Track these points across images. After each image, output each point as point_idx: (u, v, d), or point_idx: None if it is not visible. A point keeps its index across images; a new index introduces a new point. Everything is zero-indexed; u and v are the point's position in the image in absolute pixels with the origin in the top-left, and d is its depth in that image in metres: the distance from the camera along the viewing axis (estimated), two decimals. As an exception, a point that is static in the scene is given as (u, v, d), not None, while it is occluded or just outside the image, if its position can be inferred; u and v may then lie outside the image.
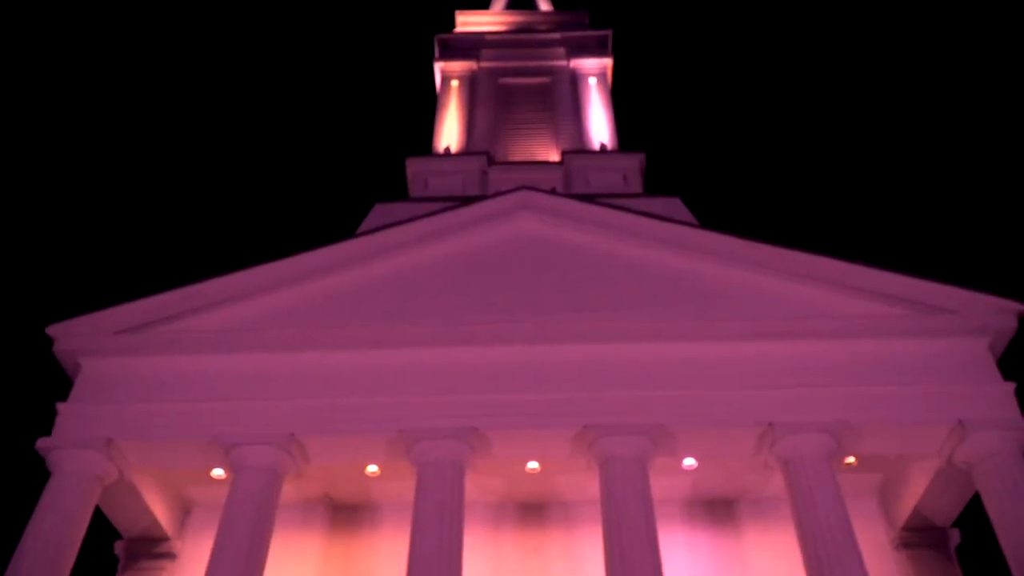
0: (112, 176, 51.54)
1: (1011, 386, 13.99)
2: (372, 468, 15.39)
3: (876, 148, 55.52)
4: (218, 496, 14.76)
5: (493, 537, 15.73)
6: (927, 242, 48.81)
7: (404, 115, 62.49)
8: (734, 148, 59.43)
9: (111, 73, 54.46)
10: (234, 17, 60.30)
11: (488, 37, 27.00)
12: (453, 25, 28.84)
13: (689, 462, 15.22)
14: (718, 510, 16.16)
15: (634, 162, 22.00)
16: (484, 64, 25.93)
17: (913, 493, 15.20)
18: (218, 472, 14.98)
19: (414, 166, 22.15)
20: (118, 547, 15.72)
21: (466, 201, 17.81)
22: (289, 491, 15.33)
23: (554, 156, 23.01)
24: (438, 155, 22.79)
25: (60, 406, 14.35)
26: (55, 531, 13.00)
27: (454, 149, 23.18)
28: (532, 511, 16.10)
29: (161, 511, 15.49)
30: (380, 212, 19.61)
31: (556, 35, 26.83)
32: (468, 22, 28.74)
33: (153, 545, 15.62)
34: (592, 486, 14.41)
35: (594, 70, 25.69)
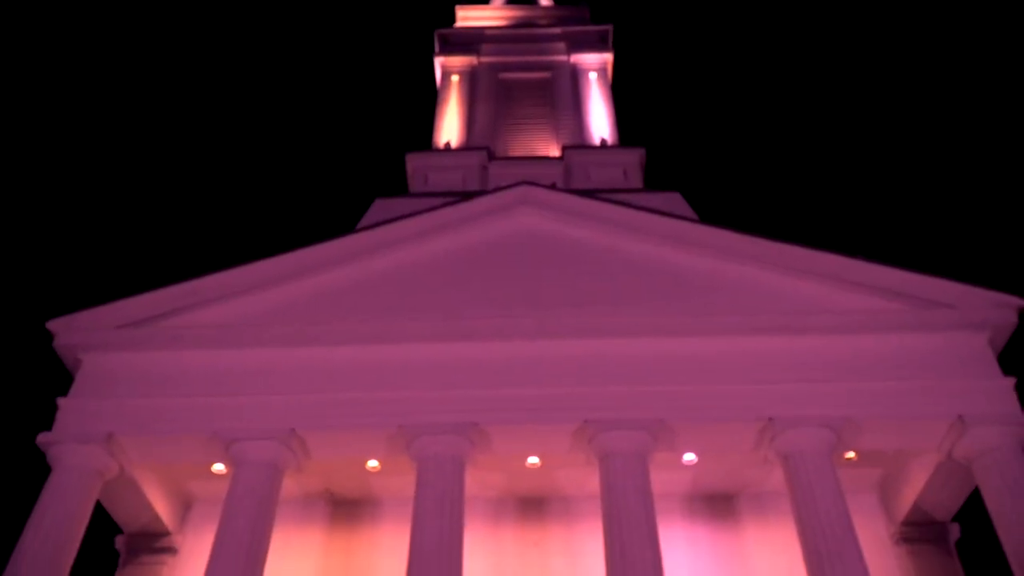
0: (113, 172, 51.55)
1: (1011, 381, 13.99)
2: (372, 463, 15.41)
3: (876, 143, 55.50)
4: (219, 491, 14.78)
5: (493, 532, 15.76)
6: (927, 237, 48.83)
7: (404, 110, 62.51)
8: (734, 143, 59.41)
9: (111, 69, 54.43)
10: (234, 13, 60.24)
11: (488, 32, 26.95)
12: (453, 20, 28.80)
13: (689, 457, 15.24)
14: (718, 505, 16.19)
15: (634, 157, 21.97)
16: (484, 59, 25.90)
17: (913, 488, 15.22)
18: (219, 467, 15.01)
19: (414, 161, 22.14)
20: (119, 542, 15.75)
21: (466, 196, 17.79)
22: (290, 486, 15.37)
23: (554, 151, 22.99)
24: (438, 150, 22.78)
25: (61, 401, 14.37)
26: (56, 526, 13.02)
27: (454, 144, 23.16)
28: (532, 506, 16.13)
29: (162, 506, 15.53)
30: (380, 207, 19.61)
31: (556, 30, 26.77)
32: (468, 17, 28.69)
33: (154, 540, 15.65)
34: (592, 481, 14.43)
35: (594, 65, 25.67)
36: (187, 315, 15.44)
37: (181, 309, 15.46)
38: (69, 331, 14.99)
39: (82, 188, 49.68)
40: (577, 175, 21.29)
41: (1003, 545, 12.97)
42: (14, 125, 47.72)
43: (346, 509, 16.26)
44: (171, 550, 15.64)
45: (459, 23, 28.54)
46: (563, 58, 25.88)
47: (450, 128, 23.87)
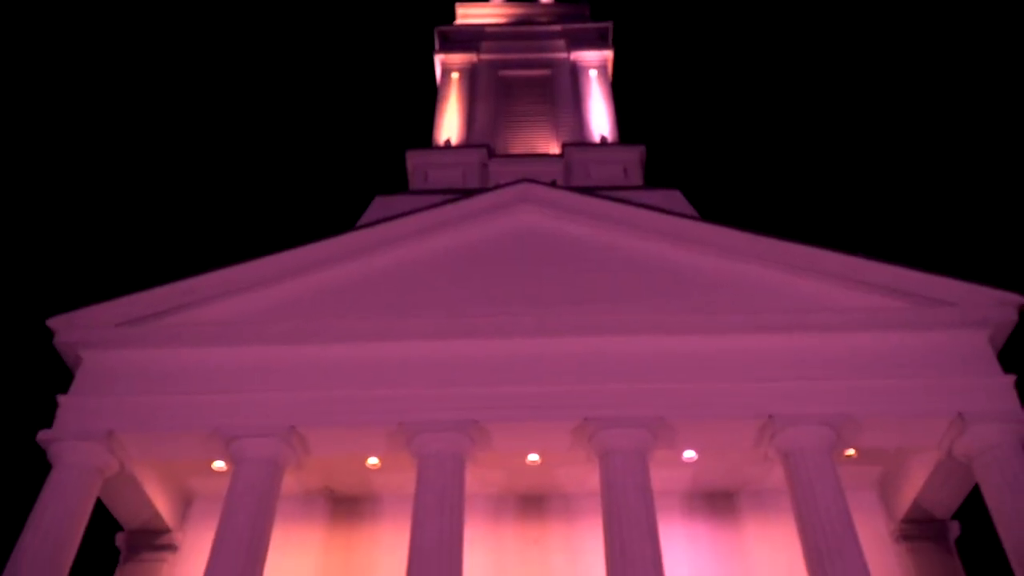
0: (113, 169, 51.54)
1: (1011, 378, 14.00)
2: (373, 460, 15.42)
3: (876, 141, 55.48)
4: (219, 488, 14.80)
5: (493, 529, 15.77)
6: (927, 235, 48.82)
7: (404, 108, 62.46)
8: (734, 141, 59.39)
9: (110, 66, 54.40)
10: (234, 10, 60.20)
11: (488, 29, 26.93)
12: (453, 17, 28.78)
13: (689, 454, 15.25)
14: (718, 502, 16.20)
15: (634, 154, 21.97)
16: (484, 56, 25.89)
17: (913, 485, 15.23)
18: (219, 464, 15.02)
19: (414, 159, 22.13)
20: (119, 539, 15.76)
21: (466, 194, 17.78)
22: (290, 483, 15.38)
23: (554, 149, 22.99)
24: (438, 148, 22.76)
25: (61, 398, 14.37)
26: (56, 523, 13.03)
27: (454, 142, 23.15)
28: (532, 503, 16.14)
29: (162, 503, 15.53)
30: (380, 205, 19.61)
31: (557, 27, 26.76)
32: (468, 14, 28.67)
33: (154, 537, 15.67)
34: (592, 478, 14.44)
35: (595, 62, 25.65)
36: (187, 312, 15.43)
37: (181, 307, 15.45)
38: (69, 328, 14.99)
39: (82, 186, 49.69)
40: (577, 172, 21.29)
41: (1003, 542, 12.98)
42: (14, 124, 47.71)
43: (346, 506, 16.27)
44: (171, 547, 15.66)
45: (459, 20, 28.52)
46: (563, 55, 25.86)
47: (450, 125, 23.86)
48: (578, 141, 22.73)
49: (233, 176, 56.02)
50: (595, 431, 13.67)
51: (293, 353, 14.80)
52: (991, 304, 14.66)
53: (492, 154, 22.17)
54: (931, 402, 13.78)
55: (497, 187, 17.41)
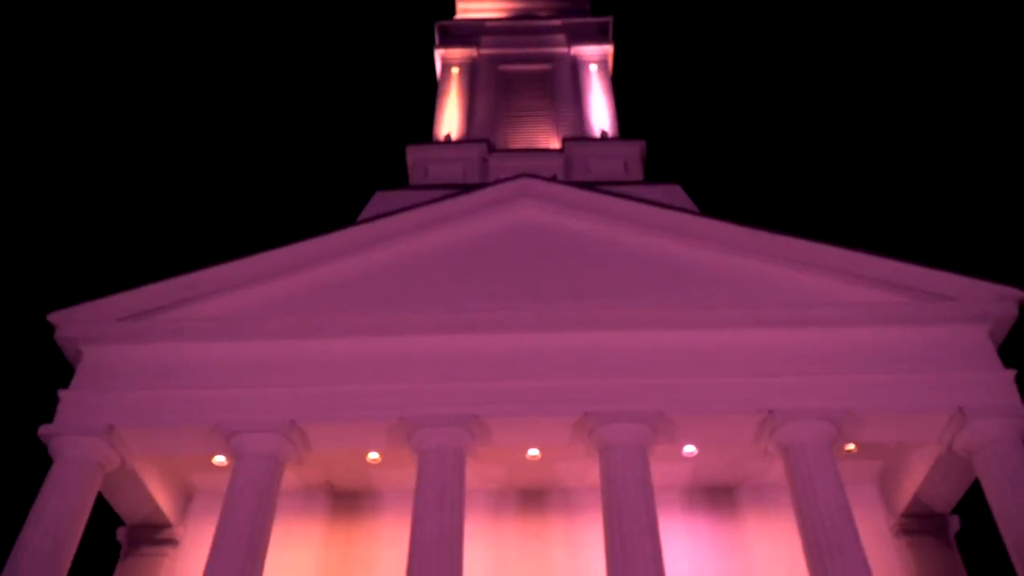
0: (113, 164, 51.50)
1: (1011, 373, 14.00)
2: (373, 455, 15.44)
3: (877, 136, 55.41)
4: (220, 483, 14.81)
5: (494, 524, 15.79)
6: (928, 229, 48.79)
7: (404, 103, 62.39)
8: (734, 136, 59.31)
9: (110, 61, 54.34)
10: (234, 6, 60.10)
11: (488, 24, 26.89)
12: (453, 12, 28.72)
13: (689, 449, 15.25)
14: (718, 497, 16.21)
15: (634, 149, 21.95)
16: (484, 51, 25.84)
17: (913, 480, 15.24)
18: (219, 459, 15.04)
19: (414, 154, 22.11)
20: (120, 533, 15.80)
21: (466, 189, 17.78)
22: (290, 478, 15.40)
23: (555, 143, 22.96)
24: (438, 143, 22.74)
25: (62, 393, 14.38)
26: (57, 518, 13.05)
27: (454, 137, 23.13)
28: (533, 498, 16.16)
29: (163, 498, 15.56)
30: (380, 200, 19.60)
31: (557, 22, 26.71)
32: (468, 8, 28.62)
33: (155, 531, 15.70)
34: (592, 473, 14.45)
35: (595, 57, 25.60)
36: (188, 308, 15.44)
37: (182, 302, 15.46)
38: (70, 324, 15.00)
39: (82, 181, 49.67)
40: (577, 167, 21.28)
41: (1003, 537, 12.99)
42: (15, 120, 47.68)
43: (347, 501, 16.29)
44: (172, 542, 15.69)
45: (459, 15, 28.48)
46: (563, 50, 25.82)
47: (450, 120, 23.84)
48: (578, 136, 22.71)
49: (233, 172, 56.01)
50: (595, 426, 13.68)
51: (293, 348, 14.81)
52: (991, 299, 14.66)
53: (492, 149, 22.14)
54: (931, 397, 13.79)
55: (497, 182, 17.39)
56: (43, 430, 13.84)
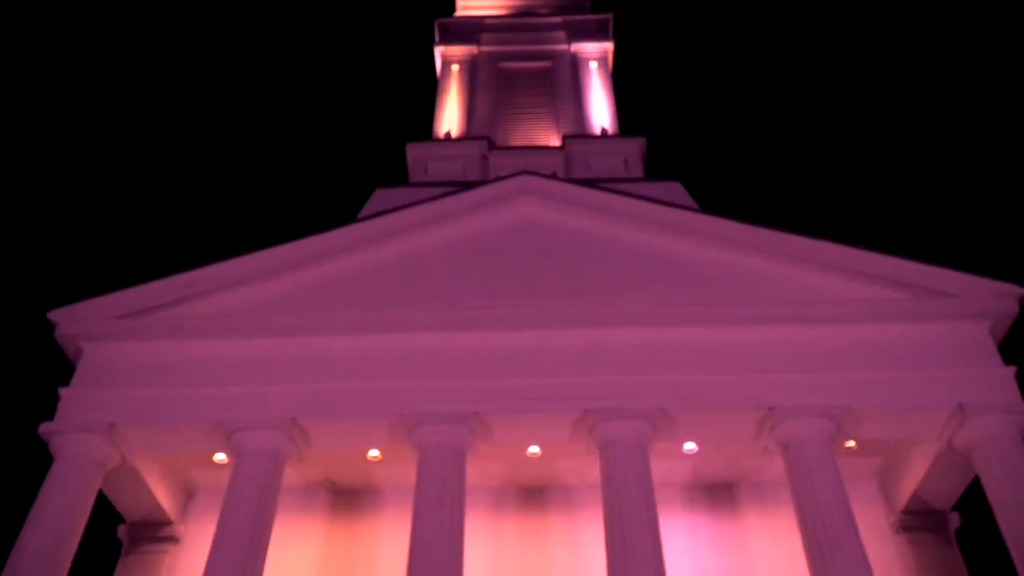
0: (113, 162, 51.49)
1: (1011, 370, 14.00)
2: (374, 452, 15.45)
3: (877, 133, 55.38)
4: (220, 480, 14.82)
5: (494, 521, 15.80)
6: (928, 226, 48.77)
7: (404, 100, 62.35)
8: (735, 133, 59.27)
9: (109, 57, 54.31)
10: (234, 2, 60.05)
11: (488, 21, 26.86)
12: (453, 9, 28.71)
13: (689, 446, 15.26)
14: (718, 494, 16.23)
15: (635, 146, 21.93)
16: (484, 48, 25.82)
17: (913, 477, 15.25)
18: (220, 456, 15.05)
19: (414, 151, 22.10)
20: (121, 531, 15.80)
21: (466, 186, 17.78)
22: (291, 475, 15.41)
23: (555, 141, 22.96)
24: (438, 140, 22.74)
25: (62, 391, 14.39)
26: (58, 515, 13.06)
27: (455, 134, 23.12)
28: (533, 495, 16.18)
29: (164, 495, 15.57)
30: (380, 197, 19.60)
31: (557, 19, 26.68)
32: (468, 5, 28.60)
33: (156, 529, 15.71)
34: (593, 470, 14.46)
35: (595, 54, 25.58)
36: (188, 305, 15.44)
37: (182, 299, 15.46)
38: (70, 321, 15.00)
39: (82, 179, 49.65)
40: (577, 164, 21.26)
41: (1003, 534, 13.00)
42: (14, 118, 47.66)
43: (347, 498, 16.31)
44: (173, 539, 15.70)
45: (459, 12, 28.46)
46: (563, 47, 25.81)
47: (450, 117, 23.83)
48: (578, 133, 22.70)
49: (233, 169, 55.99)
50: (595, 423, 13.69)
51: (294, 345, 14.81)
52: (992, 295, 14.66)
53: (492, 146, 22.13)
54: (931, 394, 13.79)
55: (497, 179, 17.40)
56: (44, 428, 13.85)
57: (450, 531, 12.66)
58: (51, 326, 15.06)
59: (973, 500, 15.27)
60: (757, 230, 15.72)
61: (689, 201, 19.04)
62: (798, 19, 60.30)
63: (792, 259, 15.53)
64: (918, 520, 15.49)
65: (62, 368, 15.33)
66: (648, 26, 58.07)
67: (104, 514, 15.63)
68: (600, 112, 23.65)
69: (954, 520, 15.56)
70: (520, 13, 27.82)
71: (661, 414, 13.72)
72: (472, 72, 25.17)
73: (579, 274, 15.67)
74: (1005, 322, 14.72)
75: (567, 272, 15.73)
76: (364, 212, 19.14)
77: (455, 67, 25.40)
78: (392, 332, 14.82)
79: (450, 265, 16.02)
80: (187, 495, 16.39)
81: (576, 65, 25.23)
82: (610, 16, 26.63)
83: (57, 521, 13.00)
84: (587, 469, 15.24)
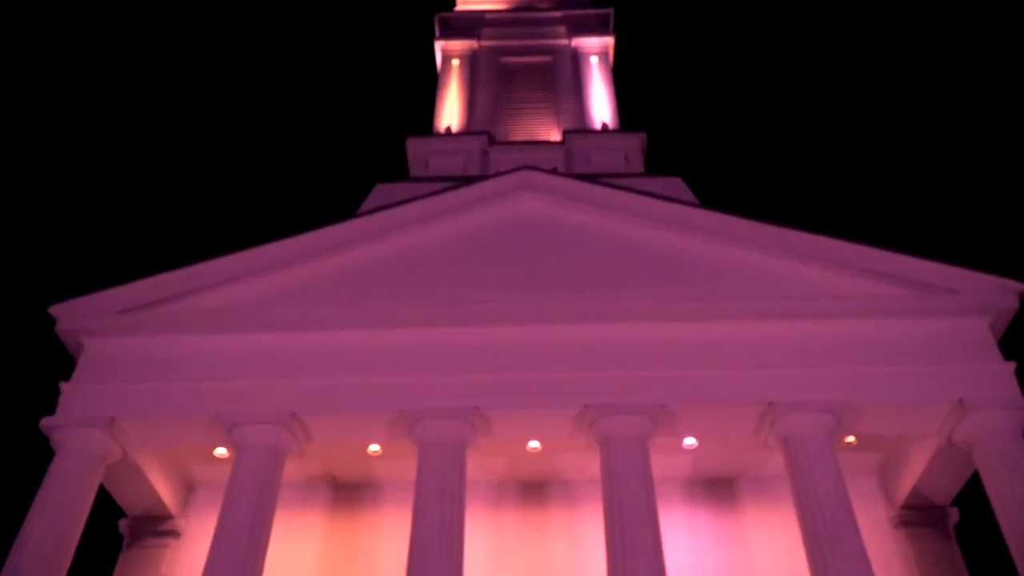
0: (113, 157, 51.46)
1: (1011, 365, 14.01)
2: (374, 447, 15.47)
3: (879, 129, 55.32)
4: (221, 475, 14.85)
5: (494, 516, 15.83)
6: (929, 222, 48.75)
7: (405, 95, 62.29)
8: (736, 128, 59.22)
9: (109, 53, 54.24)
10: (233, -4, 59.93)
11: (489, 16, 26.81)
12: (454, 3, 28.65)
13: (690, 441, 15.29)
14: (718, 489, 16.25)
15: (636, 142, 21.91)
16: (485, 43, 25.78)
17: (913, 472, 15.27)
18: (221, 451, 15.08)
19: (415, 146, 22.08)
20: (122, 525, 15.84)
21: (467, 181, 17.76)
22: (291, 470, 15.44)
23: (555, 136, 22.93)
24: (439, 135, 22.72)
25: (63, 385, 14.40)
26: (59, 510, 13.08)
27: (455, 129, 23.10)
28: (533, 490, 16.20)
29: (165, 490, 15.60)
30: (381, 192, 19.59)
31: (557, 13, 26.63)
32: (469, 0, 28.54)
33: (157, 523, 15.74)
34: (593, 465, 14.48)
35: (595, 49, 25.54)
36: (188, 300, 15.44)
37: (182, 294, 15.47)
38: (71, 316, 15.01)
39: (83, 174, 49.63)
40: (578, 160, 21.24)
41: (1002, 529, 13.02)
42: (15, 112, 47.62)
43: (348, 493, 16.34)
44: (174, 533, 15.74)
45: (460, 6, 28.39)
46: (564, 42, 25.75)
47: (451, 113, 23.80)
48: (579, 128, 22.67)
49: (234, 164, 55.97)
50: (596, 418, 13.70)
51: (294, 340, 14.82)
52: (992, 291, 14.67)
53: (493, 141, 22.12)
54: (931, 389, 13.80)
55: (498, 174, 17.38)
56: (45, 422, 13.87)
57: (450, 526, 12.69)
58: (52, 321, 15.08)
59: (972, 496, 15.31)
60: (758, 226, 15.71)
61: (690, 196, 19.03)
62: (800, 13, 60.22)
63: (793, 255, 15.53)
64: (918, 515, 15.52)
65: (63, 363, 15.39)
66: (649, 21, 58.00)
67: (105, 508, 15.70)
68: (601, 107, 23.62)
69: (953, 515, 15.59)
70: (520, 8, 27.76)
71: (661, 409, 13.73)
72: (472, 67, 25.13)
73: (579, 269, 15.67)
74: (1005, 318, 14.73)
75: (567, 267, 15.74)
76: (364, 207, 19.13)
77: (455, 62, 25.36)
78: (392, 327, 14.83)
79: (450, 260, 16.02)
80: (188, 489, 16.43)
81: (577, 60, 25.18)
82: (611, 11, 26.58)
83: (58, 515, 13.02)
84: (587, 464, 15.26)
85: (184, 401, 14.19)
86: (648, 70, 57.15)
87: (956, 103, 52.55)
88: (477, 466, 15.23)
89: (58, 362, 15.67)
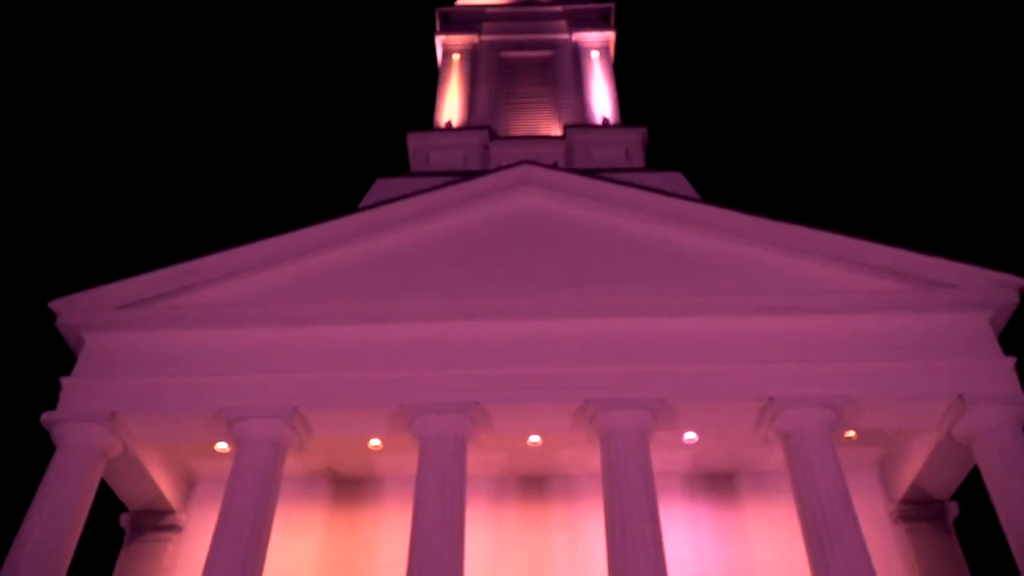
0: (114, 151, 51.44)
1: (1011, 360, 14.01)
2: (375, 442, 15.49)
3: (879, 124, 55.26)
4: (222, 469, 14.85)
5: (495, 510, 15.85)
6: (929, 217, 48.71)
7: (405, 90, 62.21)
8: (736, 123, 59.15)
9: (108, 50, 54.17)
10: (234, -10, 59.81)
11: (489, 10, 26.77)
12: (454, -2, 28.60)
13: (690, 436, 15.29)
14: (719, 483, 16.27)
15: (636, 136, 21.90)
16: (486, 37, 25.74)
17: (912, 467, 15.28)
18: (222, 445, 15.09)
19: (415, 141, 22.08)
20: (124, 520, 15.87)
21: (467, 176, 17.76)
22: (292, 464, 15.45)
23: (556, 130, 22.92)
24: (439, 130, 22.70)
25: (64, 380, 14.42)
26: (61, 504, 13.11)
27: (456, 123, 23.08)
28: (534, 484, 16.22)
29: (166, 484, 15.62)
30: (381, 187, 19.59)
31: (558, 8, 26.59)
32: (470, -5, 28.48)
33: (158, 518, 15.76)
34: (593, 460, 14.49)
35: (596, 43, 25.51)
36: (189, 294, 15.45)
37: (183, 289, 15.48)
38: (71, 311, 15.02)
39: (83, 169, 49.61)
40: (579, 154, 21.24)
41: (1002, 524, 13.04)
42: (15, 111, 47.59)
43: (348, 487, 16.36)
44: (175, 528, 15.77)
45: (460, 1, 28.35)
46: (565, 36, 25.73)
47: (451, 107, 23.78)
48: (580, 123, 22.66)
49: (234, 159, 55.94)
50: (596, 412, 13.71)
51: (295, 335, 14.83)
52: (992, 286, 14.67)
53: (493, 136, 22.10)
54: (932, 384, 13.81)
55: (498, 169, 17.37)
56: (46, 417, 13.88)
57: (451, 520, 12.71)
58: (52, 316, 15.09)
59: (972, 490, 15.33)
60: (758, 220, 15.71)
61: (690, 191, 19.03)
62: (800, 9, 60.11)
63: (793, 249, 15.52)
64: (917, 510, 15.53)
65: (63, 357, 15.39)
66: (650, 15, 57.88)
67: (106, 503, 15.71)
68: (601, 102, 23.60)
69: (953, 510, 15.60)
70: (521, 2, 27.70)
71: (661, 404, 13.75)
72: (473, 61, 25.10)
73: (580, 264, 15.67)
74: (1005, 312, 14.73)
75: (568, 262, 15.73)
76: (365, 202, 19.14)
77: (456, 56, 25.34)
78: (393, 322, 14.83)
79: (451, 255, 16.02)
80: (189, 484, 16.45)
81: (577, 54, 25.16)
82: (612, 5, 26.54)
83: (59, 510, 13.05)
84: (587, 458, 15.27)
85: (185, 396, 14.20)
86: (649, 65, 57.07)
87: (957, 98, 52.50)
88: (477, 460, 15.22)
89: (59, 357, 15.68)
